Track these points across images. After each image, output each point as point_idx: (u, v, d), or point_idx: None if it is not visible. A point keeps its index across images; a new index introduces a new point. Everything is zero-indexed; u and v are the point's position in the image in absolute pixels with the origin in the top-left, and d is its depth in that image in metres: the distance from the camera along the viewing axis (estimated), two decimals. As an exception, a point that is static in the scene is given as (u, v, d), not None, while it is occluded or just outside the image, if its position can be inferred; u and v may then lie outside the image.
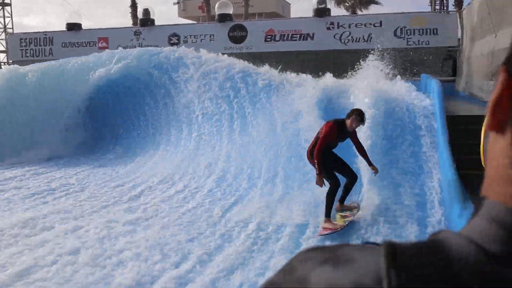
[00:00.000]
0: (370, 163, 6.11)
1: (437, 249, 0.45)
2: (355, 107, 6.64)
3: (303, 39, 19.91)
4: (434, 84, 9.18)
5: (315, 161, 5.73)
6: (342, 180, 6.07)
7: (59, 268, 4.70)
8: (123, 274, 4.59)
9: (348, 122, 5.87)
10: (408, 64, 14.48)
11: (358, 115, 5.85)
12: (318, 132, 6.04)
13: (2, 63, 24.96)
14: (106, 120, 12.69)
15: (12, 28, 27.02)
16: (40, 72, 12.49)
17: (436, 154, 7.16)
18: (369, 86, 8.48)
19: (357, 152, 6.29)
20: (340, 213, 6.15)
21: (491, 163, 0.51)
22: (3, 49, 26.76)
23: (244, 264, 4.89)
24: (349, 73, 10.69)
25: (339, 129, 5.86)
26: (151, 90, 12.01)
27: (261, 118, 9.23)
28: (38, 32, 24.46)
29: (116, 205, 7.15)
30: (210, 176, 8.52)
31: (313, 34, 19.79)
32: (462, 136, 7.00)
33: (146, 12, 22.41)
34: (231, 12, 21.14)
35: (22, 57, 24.18)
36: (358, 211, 6.15)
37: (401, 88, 9.01)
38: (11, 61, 24.44)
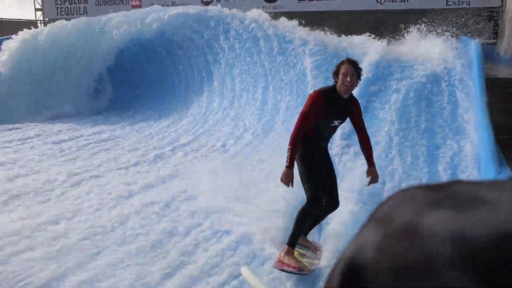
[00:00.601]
0: (371, 163, 4.22)
1: None
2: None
3: (338, -1, 19.37)
4: (473, 45, 8.93)
5: (289, 147, 3.92)
6: None
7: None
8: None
9: (339, 80, 3.95)
10: (447, 25, 14.03)
11: (349, 63, 3.94)
12: None
13: (38, 21, 25.28)
14: (137, 81, 12.85)
15: (47, -14, 27.14)
16: (74, 28, 12.69)
17: (473, 116, 7.06)
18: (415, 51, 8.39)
19: (359, 144, 4.36)
20: (300, 250, 4.34)
21: None
22: (39, 7, 27.02)
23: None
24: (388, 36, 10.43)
25: (328, 98, 3.99)
26: (186, 51, 12.07)
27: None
28: (73, -11, 24.59)
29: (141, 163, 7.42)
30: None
31: (349, -7, 19.22)
32: (501, 101, 6.86)
33: (180, -31, 22.15)
34: (264, -30, 20.66)
35: (57, 15, 24.40)
36: (320, 255, 4.37)
37: (440, 49, 8.82)
38: (46, 19, 24.76)
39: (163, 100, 11.89)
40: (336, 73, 4.02)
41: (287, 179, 3.93)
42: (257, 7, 18.84)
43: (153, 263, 4.03)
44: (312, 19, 13.06)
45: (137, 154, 7.80)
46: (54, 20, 14.06)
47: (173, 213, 5.15)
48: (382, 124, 7.14)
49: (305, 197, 4.14)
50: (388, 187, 5.67)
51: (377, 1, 18.90)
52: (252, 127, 8.84)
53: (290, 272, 3.92)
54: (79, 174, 6.51)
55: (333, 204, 4.30)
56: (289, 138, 3.97)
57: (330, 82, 4.15)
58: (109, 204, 5.39)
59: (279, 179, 4.02)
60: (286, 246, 4.06)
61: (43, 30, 12.89)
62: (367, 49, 8.87)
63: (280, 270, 3.94)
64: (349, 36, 9.83)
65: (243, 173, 6.19)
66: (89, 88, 12.52)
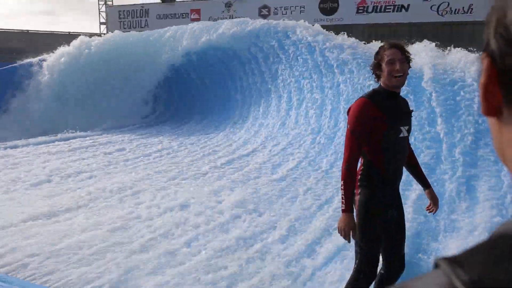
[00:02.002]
0: (427, 182, 3.19)
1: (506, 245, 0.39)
2: None
3: (397, 11, 19.09)
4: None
5: (341, 183, 2.80)
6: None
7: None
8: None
9: (384, 73, 2.78)
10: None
11: (394, 47, 2.79)
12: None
13: (102, 34, 26.47)
14: (196, 92, 13.14)
15: (112, 1, 28.47)
16: (136, 40, 13.25)
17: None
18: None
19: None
20: None
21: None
22: (103, 21, 28.32)
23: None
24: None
25: (377, 100, 2.80)
26: (243, 62, 12.21)
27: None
28: (135, 4, 25.68)
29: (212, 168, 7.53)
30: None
31: (408, 5, 18.90)
32: None
33: (238, -16, 22.64)
34: (323, -17, 20.73)
35: (120, 28, 25.52)
36: None
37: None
38: (110, 32, 25.94)
39: (220, 112, 12.10)
40: (377, 66, 2.83)
41: (348, 226, 2.75)
42: (315, 19, 18.96)
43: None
44: (370, 32, 12.91)
45: (209, 161, 7.98)
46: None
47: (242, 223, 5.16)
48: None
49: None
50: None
51: (438, 13, 18.42)
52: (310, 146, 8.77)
53: None
54: (140, 181, 6.69)
55: (399, 268, 3.07)
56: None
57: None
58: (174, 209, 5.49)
59: None
60: None
61: (99, 41, 13.55)
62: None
63: None
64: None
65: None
66: (145, 99, 12.94)
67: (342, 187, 2.77)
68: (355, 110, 2.79)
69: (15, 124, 11.84)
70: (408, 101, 3.10)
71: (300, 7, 20.62)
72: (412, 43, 9.06)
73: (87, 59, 12.88)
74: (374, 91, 2.87)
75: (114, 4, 27.96)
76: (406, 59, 2.79)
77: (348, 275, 3.09)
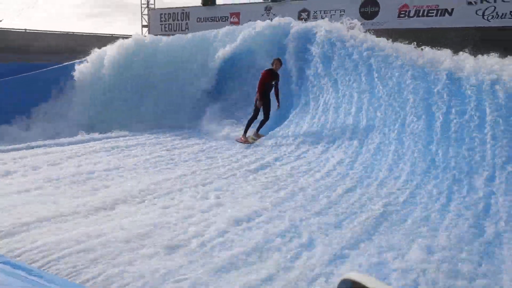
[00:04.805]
0: (278, 101, 10.13)
1: None
2: None
3: (440, 15, 18.66)
4: None
5: (259, 93, 9.72)
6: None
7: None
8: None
9: (274, 66, 9.94)
10: None
11: (278, 60, 10.06)
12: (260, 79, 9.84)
13: (144, 37, 27.04)
14: (238, 96, 13.19)
15: (154, 4, 29.10)
16: (179, 42, 13.54)
17: None
18: None
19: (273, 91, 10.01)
20: (254, 137, 9.92)
21: None
22: (145, 23, 28.92)
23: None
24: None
25: (272, 72, 9.89)
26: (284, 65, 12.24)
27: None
28: (177, 7, 26.11)
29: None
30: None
31: (452, 9, 18.45)
32: None
33: (277, -13, 22.67)
34: (364, -13, 20.49)
35: (161, 31, 26.04)
36: (258, 140, 9.79)
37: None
38: (152, 35, 26.45)
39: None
40: (273, 64, 10.11)
41: (259, 104, 9.93)
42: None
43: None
44: (410, 36, 12.67)
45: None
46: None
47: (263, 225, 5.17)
48: None
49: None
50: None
51: (483, 18, 17.91)
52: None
53: (241, 142, 9.76)
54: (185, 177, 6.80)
55: (267, 117, 10.06)
56: None
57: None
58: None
59: None
60: (243, 133, 9.98)
61: (148, 41, 13.94)
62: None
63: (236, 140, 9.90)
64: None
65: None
66: (191, 101, 13.07)
67: (260, 93, 9.80)
68: (266, 72, 9.94)
69: (62, 121, 12.26)
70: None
71: (340, 11, 20.45)
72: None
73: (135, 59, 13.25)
74: (270, 69, 9.99)
75: (156, 7, 28.56)
76: (281, 64, 10.23)
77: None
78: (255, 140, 9.81)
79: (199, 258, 4.35)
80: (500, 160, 6.72)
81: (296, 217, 5.42)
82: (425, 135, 7.83)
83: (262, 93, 9.71)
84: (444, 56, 9.13)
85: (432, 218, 5.47)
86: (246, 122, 10.12)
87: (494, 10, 17.72)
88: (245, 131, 9.93)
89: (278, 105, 10.12)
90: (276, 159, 8.46)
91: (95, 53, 13.87)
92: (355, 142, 8.54)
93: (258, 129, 10.02)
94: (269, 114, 9.94)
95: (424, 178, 6.87)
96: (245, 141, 9.78)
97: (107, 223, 5.12)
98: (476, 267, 4.28)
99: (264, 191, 6.52)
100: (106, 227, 4.98)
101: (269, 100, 9.91)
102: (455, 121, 7.68)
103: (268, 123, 10.21)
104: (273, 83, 9.86)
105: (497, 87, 7.78)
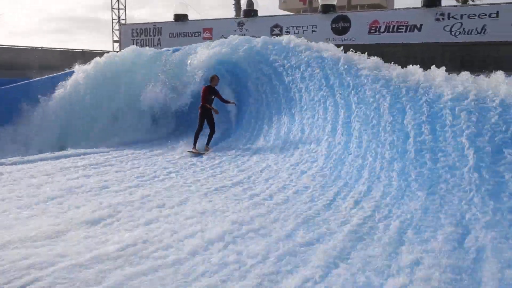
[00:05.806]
0: (228, 102, 11.25)
1: None
2: None
3: (410, 31, 19.04)
4: None
5: (208, 106, 10.55)
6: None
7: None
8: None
9: (212, 83, 10.77)
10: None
11: (215, 76, 10.88)
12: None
13: (115, 52, 26.76)
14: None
15: (125, 19, 28.86)
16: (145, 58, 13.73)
17: None
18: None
19: (221, 102, 11.04)
20: (203, 152, 10.49)
21: None
22: (117, 38, 28.65)
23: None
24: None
25: (210, 88, 10.69)
26: (257, 78, 12.24)
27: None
28: (148, 22, 25.88)
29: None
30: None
31: (421, 25, 18.84)
32: None
33: (250, 3, 22.76)
34: (335, 3, 20.76)
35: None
36: (208, 153, 10.40)
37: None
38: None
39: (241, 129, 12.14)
40: (210, 80, 10.88)
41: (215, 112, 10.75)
42: (326, 38, 18.98)
43: None
44: (381, 52, 12.80)
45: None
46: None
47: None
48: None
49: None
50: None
51: (451, 34, 18.32)
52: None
53: (192, 153, 10.35)
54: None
55: (214, 130, 10.95)
56: None
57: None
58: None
59: None
60: (193, 146, 10.57)
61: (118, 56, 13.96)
62: None
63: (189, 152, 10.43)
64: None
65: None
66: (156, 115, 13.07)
67: (209, 106, 10.70)
68: (205, 88, 10.72)
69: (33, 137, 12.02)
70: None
71: (312, 26, 20.65)
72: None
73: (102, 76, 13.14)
74: (209, 85, 10.79)
75: (127, 22, 28.31)
76: (218, 79, 11.02)
77: None
78: (207, 151, 10.56)
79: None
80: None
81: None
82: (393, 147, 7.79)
83: (203, 105, 10.60)
84: (413, 71, 9.07)
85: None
86: (193, 136, 10.72)
87: (461, 26, 18.17)
88: (194, 143, 10.60)
89: (233, 102, 11.54)
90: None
91: (63, 69, 13.65)
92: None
93: (207, 143, 10.84)
94: (214, 127, 10.91)
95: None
96: (196, 152, 10.39)
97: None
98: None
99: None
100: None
101: (212, 114, 10.76)
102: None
103: (215, 135, 11.10)
104: (213, 97, 10.72)
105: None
